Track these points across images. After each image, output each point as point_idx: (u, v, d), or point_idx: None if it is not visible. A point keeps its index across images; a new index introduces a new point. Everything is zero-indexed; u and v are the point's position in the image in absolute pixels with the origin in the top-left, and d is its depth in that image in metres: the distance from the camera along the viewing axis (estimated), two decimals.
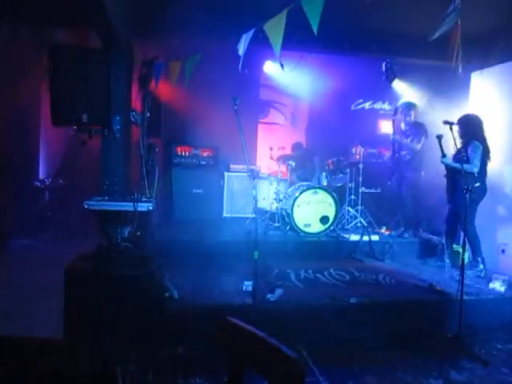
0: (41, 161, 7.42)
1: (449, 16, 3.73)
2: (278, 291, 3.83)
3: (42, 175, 7.36)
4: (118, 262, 3.56)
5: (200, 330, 3.41)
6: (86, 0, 4.21)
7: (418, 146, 5.68)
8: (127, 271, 3.46)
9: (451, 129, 4.07)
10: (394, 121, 5.98)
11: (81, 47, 4.44)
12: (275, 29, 3.71)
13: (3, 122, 5.31)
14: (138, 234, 4.18)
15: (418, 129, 5.76)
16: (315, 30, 3.26)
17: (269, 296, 3.74)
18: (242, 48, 4.08)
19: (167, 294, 3.59)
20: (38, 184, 7.21)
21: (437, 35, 3.94)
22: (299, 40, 5.15)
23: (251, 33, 4.03)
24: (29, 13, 4.68)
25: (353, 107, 7.48)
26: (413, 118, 5.87)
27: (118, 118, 4.50)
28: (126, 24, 4.68)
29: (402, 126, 5.94)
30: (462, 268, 3.91)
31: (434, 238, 5.77)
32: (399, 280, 4.64)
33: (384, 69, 6.20)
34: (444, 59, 5.25)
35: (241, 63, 4.17)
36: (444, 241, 5.20)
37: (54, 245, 6.14)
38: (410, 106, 5.89)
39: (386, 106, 7.58)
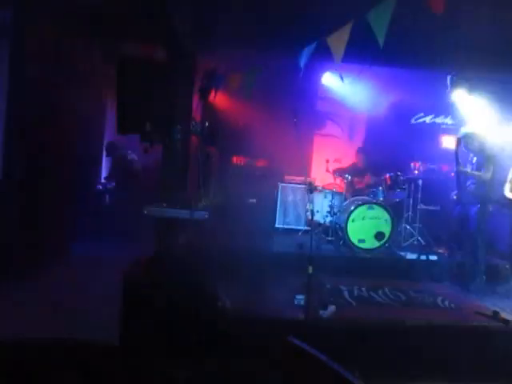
0: (103, 167, 7.81)
1: None
2: (331, 308, 3.75)
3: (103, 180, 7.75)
4: (173, 269, 3.64)
5: (252, 343, 3.40)
6: (154, 14, 4.40)
7: (488, 176, 4.98)
8: (182, 278, 3.52)
9: None
10: (456, 153, 5.23)
11: (146, 60, 4.64)
12: (338, 42, 3.69)
13: (70, 130, 5.62)
14: (194, 241, 4.28)
15: (484, 157, 5.09)
16: (381, 43, 3.20)
17: (321, 312, 3.67)
18: (303, 61, 4.09)
19: (220, 304, 3.61)
20: (100, 187, 7.58)
21: None
22: (361, 53, 5.06)
23: (313, 46, 4.03)
24: (98, 26, 4.94)
25: (413, 121, 7.26)
26: (477, 146, 5.13)
27: (178, 127, 4.65)
28: (191, 37, 4.83)
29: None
30: None
31: (498, 261, 5.44)
32: (459, 304, 4.40)
33: (449, 82, 5.97)
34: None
35: (301, 74, 4.17)
36: (509, 265, 4.90)
37: (114, 247, 6.38)
38: (471, 136, 5.20)
39: (449, 121, 7.28)
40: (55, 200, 5.43)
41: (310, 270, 3.34)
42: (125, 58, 4.60)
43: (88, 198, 6.99)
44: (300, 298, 3.82)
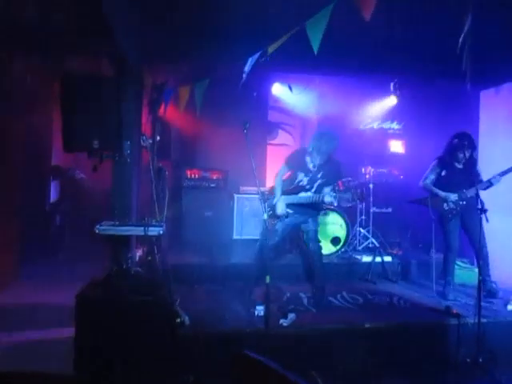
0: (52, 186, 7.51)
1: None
2: (291, 316, 3.76)
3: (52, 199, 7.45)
4: (128, 288, 3.53)
5: (212, 358, 3.35)
6: (95, 28, 4.29)
7: None
8: (138, 297, 3.41)
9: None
10: None
11: (92, 75, 4.51)
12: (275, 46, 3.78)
13: (17, 148, 5.39)
14: (149, 258, 4.17)
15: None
16: (315, 50, 3.32)
17: (281, 321, 3.68)
18: (246, 69, 4.14)
19: (178, 320, 3.54)
20: (47, 208, 7.29)
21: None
22: (306, 63, 5.17)
23: (257, 55, 4.09)
24: (41, 41, 4.79)
25: (361, 127, 7.47)
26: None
27: (128, 142, 4.54)
28: (136, 50, 4.76)
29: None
30: (479, 289, 3.83)
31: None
32: (414, 303, 4.55)
33: (392, 88, 6.22)
34: (453, 77, 5.25)
35: (242, 81, 4.22)
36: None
37: (65, 268, 6.16)
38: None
39: (395, 126, 7.55)
40: (2, 223, 5.19)
41: (268, 279, 3.33)
42: (69, 74, 4.45)
43: (37, 220, 6.72)
44: (260, 309, 3.82)
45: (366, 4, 2.91)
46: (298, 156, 4.41)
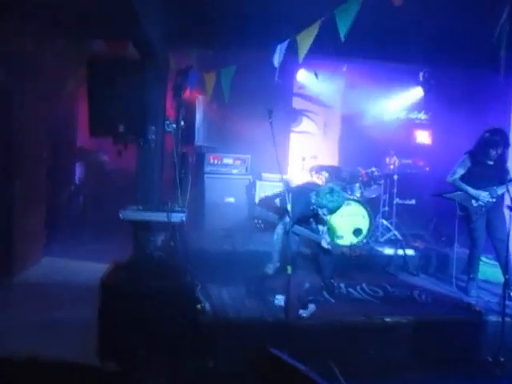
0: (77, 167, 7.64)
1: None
2: (311, 307, 3.77)
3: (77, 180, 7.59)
4: (151, 273, 3.59)
5: (231, 345, 3.39)
6: (122, 12, 4.28)
7: None
8: (160, 282, 3.47)
9: None
10: None
11: (117, 58, 4.53)
12: (305, 40, 3.71)
13: (42, 131, 5.48)
14: (172, 243, 4.22)
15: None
16: (342, 38, 3.26)
17: (301, 312, 3.69)
18: (276, 59, 4.07)
19: (199, 306, 3.58)
20: (73, 188, 7.43)
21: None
22: (334, 49, 5.07)
23: (285, 44, 4.02)
24: (68, 26, 4.81)
25: (387, 117, 7.33)
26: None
27: (152, 127, 4.56)
28: (162, 35, 4.74)
29: None
30: (504, 288, 3.76)
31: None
32: (435, 297, 4.49)
33: (421, 78, 6.06)
34: (485, 67, 5.07)
35: (277, 74, 4.15)
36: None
37: (89, 247, 6.31)
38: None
39: (422, 116, 7.38)
40: (28, 204, 5.31)
41: (289, 270, 3.33)
42: (95, 58, 4.47)
43: (62, 200, 6.87)
44: (280, 299, 3.82)
45: None
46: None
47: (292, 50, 4.04)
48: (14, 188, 4.94)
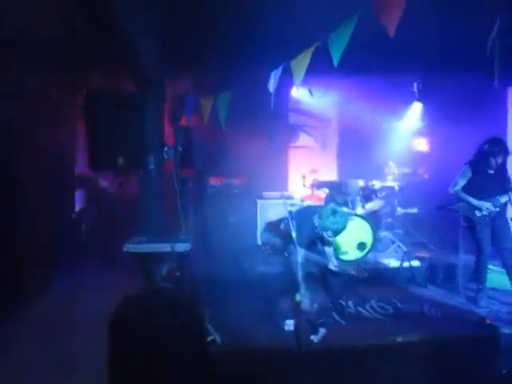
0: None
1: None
2: (321, 331, 3.74)
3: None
4: (160, 307, 3.56)
5: (244, 375, 3.37)
6: (119, 44, 4.29)
7: None
8: (170, 317, 3.44)
9: None
10: None
11: (116, 90, 4.56)
12: (299, 66, 3.72)
13: (42, 164, 5.48)
14: (177, 274, 4.20)
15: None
16: (335, 63, 3.26)
17: (312, 337, 3.66)
18: (271, 85, 4.09)
19: (209, 339, 3.56)
20: (74, 216, 7.41)
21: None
22: (326, 67, 5.10)
23: (280, 70, 4.04)
24: (65, 57, 4.83)
25: (384, 126, 7.34)
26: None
27: (152, 157, 4.57)
28: (158, 62, 4.76)
29: None
30: None
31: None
32: (445, 311, 4.45)
33: (415, 89, 6.09)
34: (479, 73, 5.08)
35: (272, 100, 4.16)
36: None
37: (94, 277, 6.26)
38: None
39: (419, 123, 7.40)
40: (31, 233, 5.30)
41: (298, 297, 3.32)
42: (94, 89, 4.50)
43: (64, 228, 6.84)
44: (290, 324, 3.81)
45: (390, 21, 2.83)
46: None
47: (287, 70, 4.05)
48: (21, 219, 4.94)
